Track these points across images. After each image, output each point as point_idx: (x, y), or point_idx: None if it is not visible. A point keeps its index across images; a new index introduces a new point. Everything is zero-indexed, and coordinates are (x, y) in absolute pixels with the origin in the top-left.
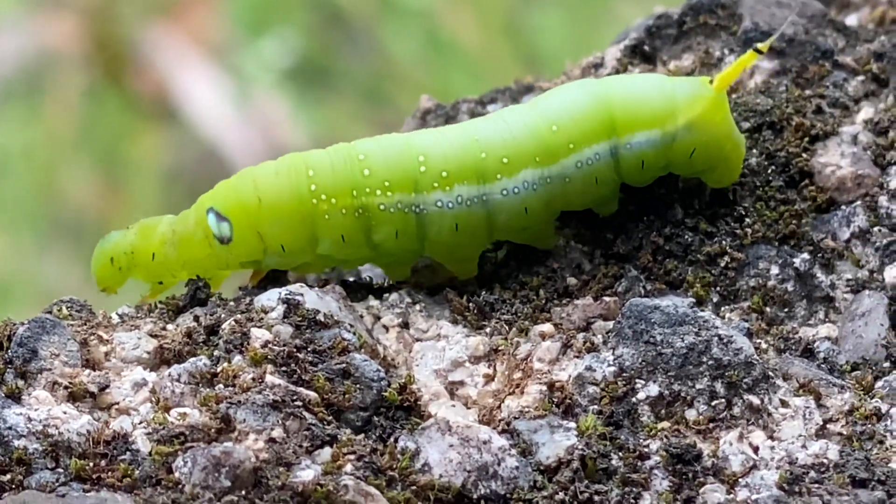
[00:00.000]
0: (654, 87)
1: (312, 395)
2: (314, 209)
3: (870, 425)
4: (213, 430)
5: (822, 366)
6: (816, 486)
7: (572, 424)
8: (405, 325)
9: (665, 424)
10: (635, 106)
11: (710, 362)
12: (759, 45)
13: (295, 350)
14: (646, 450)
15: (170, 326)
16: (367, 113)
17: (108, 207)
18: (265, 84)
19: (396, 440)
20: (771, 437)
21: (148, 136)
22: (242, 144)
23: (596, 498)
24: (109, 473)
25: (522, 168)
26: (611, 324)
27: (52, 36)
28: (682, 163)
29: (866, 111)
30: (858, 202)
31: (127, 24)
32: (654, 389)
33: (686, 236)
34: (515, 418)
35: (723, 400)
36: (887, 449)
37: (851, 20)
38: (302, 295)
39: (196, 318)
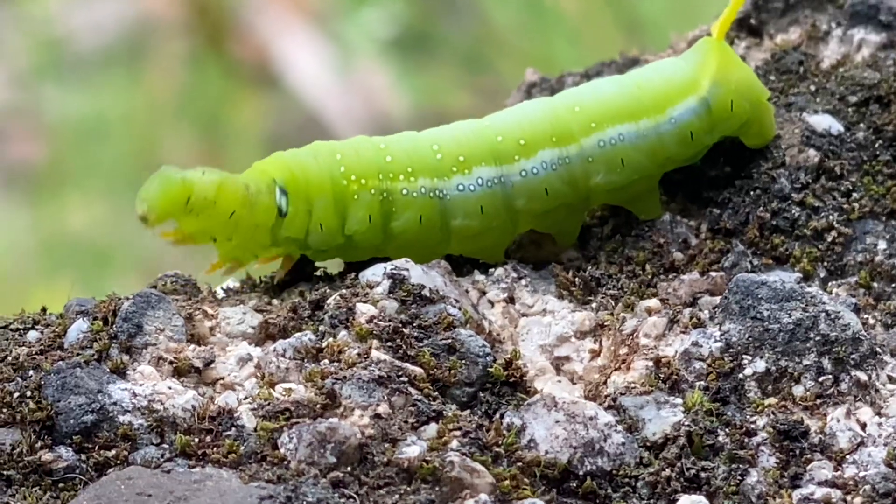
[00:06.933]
0: (669, 66)
1: (418, 370)
2: (345, 189)
3: None
4: (318, 406)
5: None
6: None
7: (679, 400)
8: (511, 300)
9: (772, 401)
10: (661, 84)
11: (817, 338)
12: None
13: (400, 325)
14: (753, 426)
15: (275, 301)
16: (469, 80)
17: None
18: (367, 52)
19: (502, 416)
20: (878, 414)
21: (249, 102)
22: (344, 112)
23: (702, 474)
24: (214, 449)
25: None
26: (717, 299)
27: (153, 2)
28: (726, 118)
29: None
30: None
31: None
32: (760, 365)
33: (793, 211)
34: (621, 394)
35: (830, 376)
36: None
37: None
38: (407, 270)
39: (301, 293)
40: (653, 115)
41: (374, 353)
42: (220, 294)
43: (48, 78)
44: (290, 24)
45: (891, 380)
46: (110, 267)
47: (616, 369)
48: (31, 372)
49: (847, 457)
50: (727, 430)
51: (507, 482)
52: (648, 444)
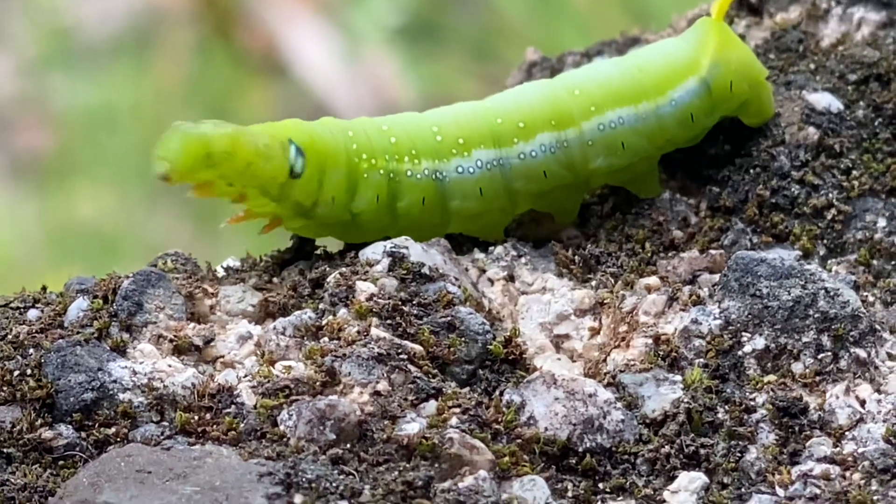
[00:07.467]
0: (669, 47)
1: (417, 348)
2: (356, 167)
3: None
4: (318, 384)
5: None
6: None
7: (678, 377)
8: (510, 279)
9: (771, 378)
10: (661, 66)
11: (816, 315)
12: None
13: (400, 303)
14: (752, 403)
15: (275, 280)
16: (477, 69)
17: None
18: (375, 41)
19: (502, 393)
20: (878, 391)
21: (257, 91)
22: (352, 101)
23: (702, 451)
24: (214, 426)
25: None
26: (717, 277)
27: None
28: (726, 99)
29: None
30: None
31: None
32: (760, 342)
33: (793, 189)
34: (621, 371)
35: (829, 353)
36: None
37: None
38: (407, 248)
39: (301, 272)
40: (653, 97)
41: (374, 331)
42: (221, 272)
43: (56, 67)
44: (297, 13)
45: (890, 357)
46: (118, 256)
47: (616, 347)
48: (31, 350)
49: (846, 433)
50: (726, 407)
51: (506, 459)
52: (648, 421)
